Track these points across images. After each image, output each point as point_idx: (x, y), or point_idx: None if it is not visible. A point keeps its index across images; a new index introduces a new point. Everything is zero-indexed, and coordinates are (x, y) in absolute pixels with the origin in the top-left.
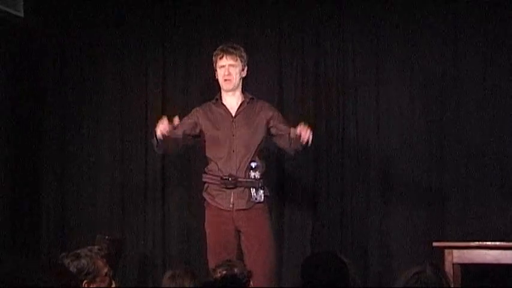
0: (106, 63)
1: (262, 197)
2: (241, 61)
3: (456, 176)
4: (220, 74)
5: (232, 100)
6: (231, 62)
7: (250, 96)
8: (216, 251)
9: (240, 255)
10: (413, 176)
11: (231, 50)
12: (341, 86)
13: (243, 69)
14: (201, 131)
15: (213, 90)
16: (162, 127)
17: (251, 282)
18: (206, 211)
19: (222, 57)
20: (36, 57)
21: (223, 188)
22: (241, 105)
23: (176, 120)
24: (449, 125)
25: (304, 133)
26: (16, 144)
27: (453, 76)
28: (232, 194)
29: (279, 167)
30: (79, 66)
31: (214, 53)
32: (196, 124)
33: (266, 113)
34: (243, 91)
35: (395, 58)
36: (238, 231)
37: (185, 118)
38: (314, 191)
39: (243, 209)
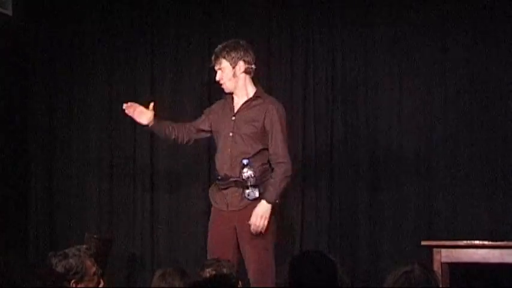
0: (95, 61)
1: (257, 195)
2: (231, 62)
3: (444, 176)
4: None
5: (237, 98)
6: (217, 66)
7: (257, 94)
8: (211, 251)
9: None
10: (402, 175)
11: (216, 53)
12: (330, 88)
13: (234, 68)
14: (210, 126)
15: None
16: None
17: (240, 283)
18: (211, 210)
19: (211, 60)
20: (25, 56)
21: (219, 188)
22: (244, 103)
23: (151, 106)
24: (436, 124)
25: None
26: (3, 143)
27: (441, 75)
28: (227, 195)
29: None
30: (67, 65)
31: None
32: (207, 119)
33: (265, 117)
34: (256, 84)
35: (384, 58)
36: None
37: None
38: (302, 190)
39: (237, 210)
